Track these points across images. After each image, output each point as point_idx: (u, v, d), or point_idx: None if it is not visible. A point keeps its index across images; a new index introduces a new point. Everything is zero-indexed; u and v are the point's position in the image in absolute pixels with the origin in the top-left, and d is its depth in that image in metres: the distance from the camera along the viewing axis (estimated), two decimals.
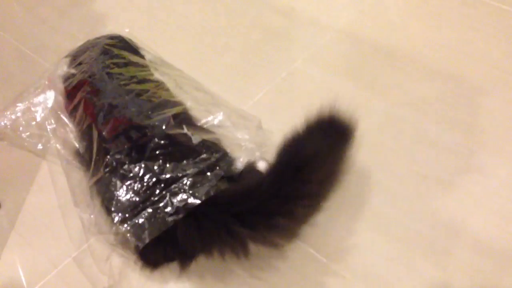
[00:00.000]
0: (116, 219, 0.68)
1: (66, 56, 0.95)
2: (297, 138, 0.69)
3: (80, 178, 0.81)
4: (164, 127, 0.73)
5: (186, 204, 0.66)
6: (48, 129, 0.87)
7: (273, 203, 0.64)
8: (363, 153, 0.80)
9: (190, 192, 0.67)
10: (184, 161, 0.70)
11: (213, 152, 0.72)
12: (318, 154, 0.67)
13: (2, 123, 0.90)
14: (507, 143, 0.83)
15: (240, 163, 0.74)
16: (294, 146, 0.68)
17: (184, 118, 0.79)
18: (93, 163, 0.74)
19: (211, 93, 0.92)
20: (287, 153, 0.68)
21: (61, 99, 0.88)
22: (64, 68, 0.93)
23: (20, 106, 0.91)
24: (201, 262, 0.71)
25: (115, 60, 0.88)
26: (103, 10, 1.19)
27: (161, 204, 0.67)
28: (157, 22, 1.15)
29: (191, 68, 0.99)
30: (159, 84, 0.87)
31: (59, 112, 0.87)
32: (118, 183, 0.69)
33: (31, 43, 1.13)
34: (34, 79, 0.96)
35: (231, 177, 0.70)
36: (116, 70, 0.86)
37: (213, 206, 0.66)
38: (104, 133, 0.75)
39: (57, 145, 0.85)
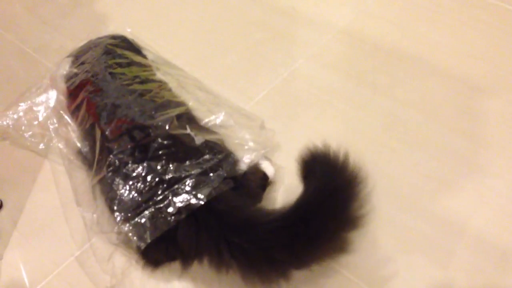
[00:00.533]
0: (119, 218, 0.68)
1: (69, 56, 0.95)
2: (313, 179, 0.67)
3: (83, 177, 0.81)
4: (167, 127, 0.73)
5: (188, 205, 0.66)
6: (50, 129, 0.87)
7: (278, 242, 0.62)
8: (363, 153, 0.80)
9: (193, 193, 0.67)
10: (187, 162, 0.70)
11: (216, 152, 0.72)
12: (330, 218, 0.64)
13: (5, 123, 0.90)
14: (510, 143, 0.83)
15: (243, 163, 0.74)
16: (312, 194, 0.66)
17: (187, 118, 0.79)
18: (95, 162, 0.74)
19: (213, 93, 0.92)
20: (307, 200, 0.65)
21: (63, 99, 0.88)
22: (66, 68, 0.93)
23: (22, 106, 0.91)
24: (203, 261, 0.71)
25: (117, 60, 0.88)
26: (105, 10, 1.19)
27: (163, 204, 0.67)
28: (159, 22, 1.15)
29: (193, 67, 0.99)
30: (162, 84, 0.87)
31: (61, 112, 0.87)
32: (121, 182, 0.69)
33: (33, 43, 1.13)
34: (36, 79, 0.96)
35: (235, 178, 0.70)
36: (119, 70, 0.86)
37: (218, 218, 0.66)
38: (107, 133, 0.75)
39: (59, 145, 0.85)
